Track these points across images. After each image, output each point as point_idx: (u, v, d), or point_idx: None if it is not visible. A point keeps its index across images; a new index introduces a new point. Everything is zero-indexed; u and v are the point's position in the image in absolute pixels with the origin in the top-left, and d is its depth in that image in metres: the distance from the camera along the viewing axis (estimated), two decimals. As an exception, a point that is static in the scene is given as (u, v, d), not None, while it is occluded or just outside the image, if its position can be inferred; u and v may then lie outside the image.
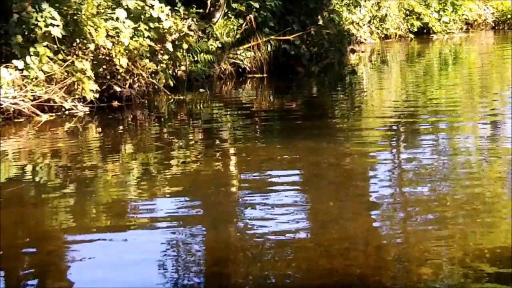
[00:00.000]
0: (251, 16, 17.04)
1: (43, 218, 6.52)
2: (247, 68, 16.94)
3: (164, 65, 13.75)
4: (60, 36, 11.95)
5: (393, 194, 6.87)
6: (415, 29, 30.31)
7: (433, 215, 6.00)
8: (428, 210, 6.12)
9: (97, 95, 12.04)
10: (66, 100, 11.75)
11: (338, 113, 12.43)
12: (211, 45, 16.18)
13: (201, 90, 14.72)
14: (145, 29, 13.58)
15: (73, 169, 8.21)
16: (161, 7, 14.13)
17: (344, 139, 9.71)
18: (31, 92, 11.41)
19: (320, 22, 18.43)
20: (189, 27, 15.18)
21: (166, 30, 14.03)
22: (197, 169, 8.08)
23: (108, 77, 12.61)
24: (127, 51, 12.75)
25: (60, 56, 11.97)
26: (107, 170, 8.25)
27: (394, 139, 9.63)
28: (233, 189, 7.43)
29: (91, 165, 8.44)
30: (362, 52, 23.23)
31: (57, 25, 11.89)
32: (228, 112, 12.73)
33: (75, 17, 12.29)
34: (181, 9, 15.26)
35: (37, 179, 8.00)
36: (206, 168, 8.09)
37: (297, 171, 7.99)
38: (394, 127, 10.41)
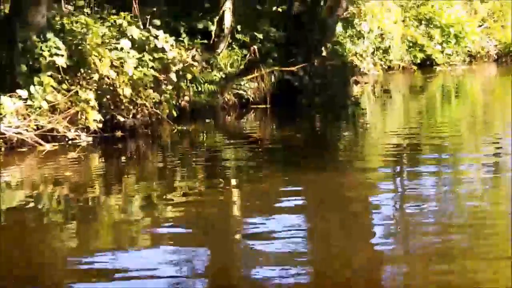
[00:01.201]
0: (255, 47, 17.09)
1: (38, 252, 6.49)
2: (251, 99, 16.96)
3: (168, 95, 13.77)
4: (64, 65, 11.99)
5: (396, 226, 6.85)
6: (418, 61, 30.38)
7: (436, 247, 5.98)
8: (430, 242, 6.11)
9: (100, 125, 12.05)
10: (70, 130, 11.75)
11: (341, 145, 12.43)
12: (215, 75, 16.22)
13: (207, 120, 14.73)
14: (150, 59, 13.61)
15: (74, 200, 8.20)
16: (166, 38, 14.19)
17: (347, 170, 9.71)
18: (35, 122, 11.42)
19: (324, 54, 18.47)
20: (193, 57, 15.24)
21: (170, 61, 14.08)
22: (199, 200, 8.06)
23: (112, 107, 12.62)
24: (131, 81, 12.77)
25: (64, 86, 11.98)
26: (109, 201, 8.24)
27: (397, 171, 9.62)
28: (236, 220, 7.41)
29: (93, 196, 8.44)
30: (365, 83, 23.27)
31: (62, 55, 11.93)
32: (231, 143, 12.72)
33: (80, 47, 12.32)
34: (186, 40, 15.34)
35: (38, 208, 7.97)
36: (209, 199, 8.07)
37: (300, 202, 7.96)
38: (397, 159, 10.39)
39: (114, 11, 14.48)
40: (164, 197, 8.27)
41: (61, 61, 11.92)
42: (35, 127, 11.42)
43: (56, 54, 11.89)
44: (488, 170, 9.25)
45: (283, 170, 9.78)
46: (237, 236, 6.75)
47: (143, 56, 13.53)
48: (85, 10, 14.10)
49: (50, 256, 6.31)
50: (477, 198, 7.71)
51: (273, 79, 17.21)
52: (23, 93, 11.45)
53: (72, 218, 7.55)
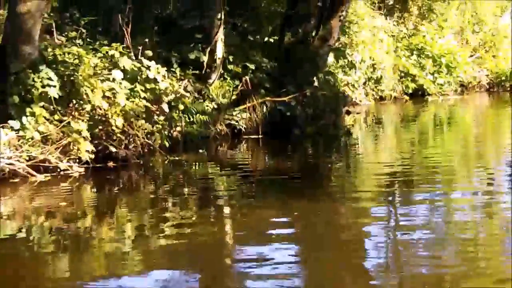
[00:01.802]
0: (247, 77, 17.13)
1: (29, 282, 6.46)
2: (243, 129, 16.98)
3: (160, 126, 13.78)
4: (56, 96, 12.00)
5: (388, 256, 6.84)
6: (410, 91, 30.51)
7: (429, 279, 5.97)
8: (423, 275, 6.10)
9: (92, 156, 12.05)
10: (62, 161, 11.74)
11: (333, 175, 12.44)
12: (207, 106, 16.25)
13: (200, 151, 14.72)
14: (142, 90, 13.63)
15: (66, 230, 8.18)
16: (158, 68, 14.22)
17: (339, 200, 9.70)
18: (27, 153, 11.41)
19: (316, 84, 18.54)
20: (185, 88, 15.27)
21: (162, 91, 14.11)
22: (192, 232, 8.04)
23: (104, 137, 12.62)
24: (123, 112, 12.78)
25: (56, 117, 11.99)
26: (101, 232, 8.21)
27: (389, 200, 9.62)
28: (228, 251, 7.39)
29: (85, 227, 8.43)
30: (357, 113, 23.32)
31: (54, 86, 11.94)
32: (224, 173, 12.72)
33: (72, 78, 12.34)
34: (177, 70, 15.38)
35: (29, 239, 7.95)
36: (201, 231, 8.05)
37: (292, 233, 7.95)
38: (389, 189, 10.40)
39: (106, 42, 14.52)
40: (156, 227, 8.26)
41: (53, 92, 11.93)
42: (27, 158, 11.41)
43: (48, 85, 11.90)
44: (480, 200, 9.24)
45: (275, 200, 9.78)
46: (229, 266, 6.73)
47: (135, 86, 13.55)
48: (77, 41, 14.12)
49: (39, 286, 6.28)
50: (470, 229, 7.72)
51: (265, 110, 17.24)
52: (15, 124, 11.45)
53: (63, 249, 7.52)
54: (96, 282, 6.23)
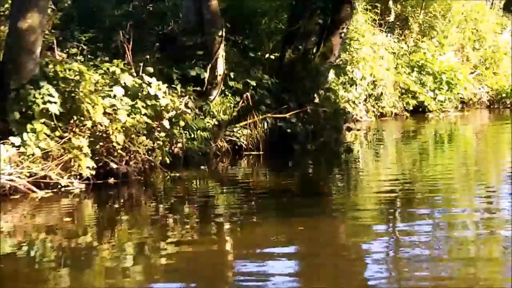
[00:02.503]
0: (248, 94, 17.14)
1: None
2: (244, 146, 16.97)
3: (161, 142, 13.78)
4: (57, 113, 12.01)
5: (389, 273, 6.83)
6: (411, 108, 30.48)
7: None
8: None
9: (93, 172, 12.04)
10: (62, 177, 11.74)
11: (334, 191, 12.43)
12: (208, 122, 16.25)
13: (202, 167, 14.71)
14: (142, 106, 13.63)
15: (66, 247, 8.17)
16: (159, 85, 14.23)
17: (340, 217, 9.70)
18: (28, 169, 11.41)
19: (317, 100, 18.54)
20: (186, 104, 15.26)
21: (163, 108, 14.11)
22: (192, 249, 8.03)
23: (105, 153, 12.62)
24: (124, 128, 12.78)
25: (57, 133, 11.99)
26: (101, 249, 8.20)
27: (390, 214, 9.62)
28: (229, 268, 7.38)
29: (85, 244, 8.42)
30: (358, 130, 23.31)
31: (55, 102, 11.95)
32: (225, 190, 12.72)
33: (73, 94, 12.35)
34: (178, 87, 15.37)
35: (29, 256, 7.94)
36: (202, 248, 8.04)
37: (293, 250, 7.94)
38: (390, 203, 10.40)
39: (107, 58, 14.54)
40: (157, 244, 8.25)
41: (54, 109, 11.94)
42: (28, 174, 11.42)
43: (49, 102, 11.91)
44: (480, 218, 9.21)
45: (275, 217, 9.78)
46: (228, 283, 6.72)
47: (136, 103, 13.56)
48: (78, 57, 14.15)
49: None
50: (470, 244, 7.71)
51: (266, 126, 17.24)
52: (16, 140, 11.46)
53: (63, 265, 7.51)
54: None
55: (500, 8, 39.30)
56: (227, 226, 9.35)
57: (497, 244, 7.76)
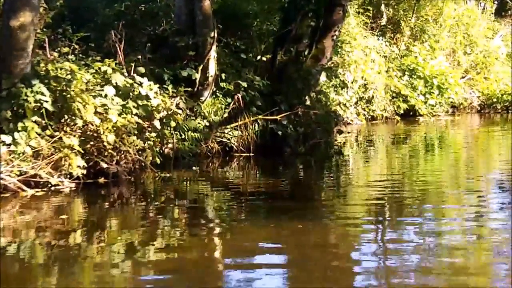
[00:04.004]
0: (239, 95, 17.15)
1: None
2: (234, 147, 16.99)
3: (152, 143, 13.77)
4: (51, 109, 11.99)
5: (378, 277, 6.84)
6: (402, 111, 30.59)
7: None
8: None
9: (84, 171, 12.03)
10: (53, 176, 11.72)
11: (324, 194, 12.44)
12: (199, 123, 16.27)
13: (194, 168, 14.71)
14: (134, 106, 13.64)
15: (56, 247, 8.16)
16: (150, 85, 14.24)
17: (330, 219, 9.71)
18: (18, 167, 11.40)
19: (308, 103, 18.56)
20: (177, 105, 15.28)
21: (154, 108, 14.11)
22: (181, 251, 8.03)
23: (95, 153, 12.60)
24: (114, 128, 12.77)
25: (48, 132, 11.98)
26: (91, 248, 8.20)
27: (380, 220, 9.63)
28: (217, 270, 7.38)
29: (75, 244, 8.41)
30: (349, 133, 23.33)
31: (46, 101, 11.93)
32: (215, 191, 12.71)
33: (64, 93, 12.33)
34: (170, 87, 15.38)
35: (18, 255, 7.93)
36: (190, 250, 8.04)
37: (282, 252, 7.95)
38: (380, 209, 10.41)
39: (98, 58, 14.54)
40: (144, 245, 8.24)
41: (48, 105, 11.91)
42: (18, 173, 11.40)
43: (41, 100, 11.89)
44: (470, 223, 9.22)
45: (265, 220, 9.78)
46: (216, 286, 6.73)
47: (127, 103, 13.56)
48: (69, 56, 14.14)
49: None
50: (460, 252, 7.72)
51: (257, 128, 17.25)
52: (6, 138, 11.44)
53: (52, 266, 7.51)
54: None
55: (492, 13, 39.47)
56: (215, 228, 9.35)
57: (487, 250, 7.77)
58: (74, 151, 11.97)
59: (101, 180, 12.44)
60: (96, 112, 12.65)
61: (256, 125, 17.26)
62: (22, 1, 12.11)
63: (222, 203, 11.39)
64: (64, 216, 9.96)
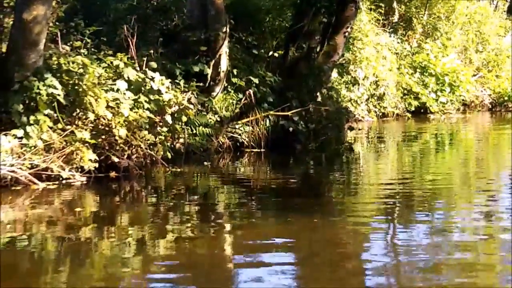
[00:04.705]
0: (251, 91, 17.15)
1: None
2: (245, 143, 17.00)
3: (163, 137, 13.78)
4: (63, 102, 12.01)
5: (388, 274, 6.83)
6: (413, 109, 30.56)
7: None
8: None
9: (95, 165, 12.05)
10: (64, 169, 11.75)
11: (335, 190, 12.43)
12: (210, 118, 16.27)
13: (205, 163, 14.72)
14: (145, 101, 13.65)
15: (67, 241, 8.18)
16: (162, 80, 14.25)
17: (340, 216, 9.70)
18: (29, 161, 11.43)
19: (319, 99, 18.54)
20: (188, 100, 15.28)
21: (166, 103, 14.12)
22: (191, 246, 8.04)
23: (107, 147, 12.63)
24: (126, 122, 12.79)
25: (59, 125, 12.00)
26: (101, 242, 8.21)
27: (390, 217, 9.61)
28: (227, 266, 7.39)
29: (85, 238, 8.42)
30: (360, 129, 23.31)
31: (58, 95, 11.96)
32: (225, 187, 12.73)
33: (76, 87, 12.35)
34: (181, 82, 15.37)
35: (30, 249, 7.94)
36: (201, 245, 8.05)
37: (292, 249, 7.94)
38: (390, 206, 10.39)
39: (110, 52, 14.55)
40: (155, 240, 8.26)
41: (61, 97, 11.94)
42: (29, 166, 11.43)
43: (53, 94, 11.92)
44: (480, 222, 9.19)
45: (275, 215, 9.78)
46: (226, 281, 6.72)
47: (139, 97, 13.57)
48: (82, 50, 14.15)
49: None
50: (470, 251, 7.69)
51: (268, 124, 17.25)
52: (18, 132, 11.47)
53: (62, 258, 7.53)
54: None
55: (504, 11, 39.33)
56: (226, 223, 9.35)
57: (496, 249, 7.75)
58: (85, 144, 11.99)
59: (112, 174, 12.47)
60: (108, 106, 12.67)
61: (267, 121, 17.26)
62: (35, -5, 12.13)
63: (232, 199, 11.40)
64: (75, 210, 9.99)
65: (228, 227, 9.12)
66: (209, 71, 16.68)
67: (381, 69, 28.44)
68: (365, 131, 24.12)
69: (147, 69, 14.39)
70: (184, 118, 14.65)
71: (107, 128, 12.60)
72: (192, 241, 8.25)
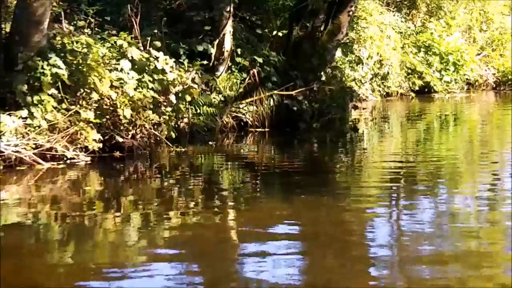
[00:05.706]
0: (255, 70, 17.13)
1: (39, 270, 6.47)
2: (249, 122, 17.00)
3: (167, 117, 13.78)
4: (67, 82, 11.99)
5: (392, 253, 6.84)
6: (417, 88, 30.50)
7: (434, 274, 5.98)
8: (428, 269, 6.11)
9: (100, 145, 12.05)
10: (68, 149, 11.76)
11: (338, 170, 12.45)
12: (214, 98, 16.26)
13: (210, 143, 14.73)
14: (149, 80, 13.63)
15: (71, 219, 8.21)
16: (166, 59, 14.22)
17: (344, 195, 9.71)
18: (34, 141, 11.43)
19: (323, 78, 18.52)
20: (193, 79, 15.25)
21: (170, 82, 14.10)
22: (196, 223, 8.07)
23: (111, 127, 12.63)
24: (130, 102, 12.79)
25: (64, 105, 12.00)
26: (106, 222, 8.24)
27: (394, 197, 9.62)
28: (231, 244, 7.41)
29: (90, 216, 8.45)
30: (364, 109, 23.31)
31: (63, 74, 11.94)
32: (229, 166, 12.75)
33: (80, 67, 12.33)
34: (185, 62, 15.35)
35: (34, 228, 7.97)
36: (205, 222, 8.07)
37: (296, 228, 7.96)
38: (394, 185, 10.39)
39: (114, 32, 14.52)
40: (160, 219, 8.28)
41: (65, 78, 11.92)
42: (34, 146, 11.44)
43: (57, 73, 11.90)
44: (484, 202, 9.18)
45: (279, 194, 9.81)
46: (231, 260, 6.74)
47: (143, 77, 13.55)
48: (85, 30, 14.13)
49: (45, 276, 6.29)
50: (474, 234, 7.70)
51: (272, 103, 17.25)
52: (22, 112, 11.47)
53: (68, 238, 7.56)
54: (99, 271, 6.26)
55: (509, -10, 39.16)
56: (230, 201, 9.37)
57: (500, 233, 7.74)
58: (90, 124, 12.00)
59: (117, 154, 12.48)
60: (112, 86, 12.66)
61: (271, 100, 17.26)
62: (38, -26, 12.10)
63: (236, 178, 11.42)
64: (79, 189, 10.01)
65: (232, 206, 9.12)
66: (213, 50, 16.66)
67: (385, 48, 28.37)
68: (369, 110, 24.11)
69: (151, 49, 14.35)
70: (188, 98, 14.63)
71: (111, 108, 12.60)
72: (196, 220, 8.26)
